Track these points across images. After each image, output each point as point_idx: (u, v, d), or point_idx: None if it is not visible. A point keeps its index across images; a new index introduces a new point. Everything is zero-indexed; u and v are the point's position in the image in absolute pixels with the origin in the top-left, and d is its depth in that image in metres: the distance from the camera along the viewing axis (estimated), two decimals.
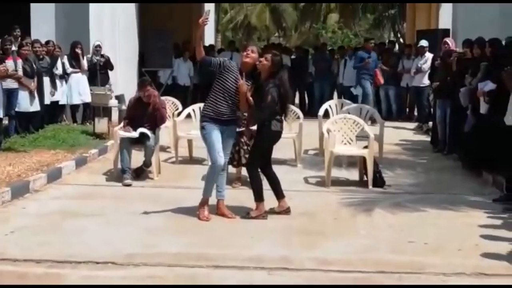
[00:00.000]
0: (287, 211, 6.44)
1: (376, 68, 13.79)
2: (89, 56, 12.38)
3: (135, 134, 8.02)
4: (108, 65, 12.53)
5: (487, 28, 10.35)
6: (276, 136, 6.32)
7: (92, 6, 12.64)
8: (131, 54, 14.48)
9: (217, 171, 6.25)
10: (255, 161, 6.38)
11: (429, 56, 12.25)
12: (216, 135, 6.17)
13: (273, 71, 6.16)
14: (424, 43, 12.78)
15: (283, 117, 6.35)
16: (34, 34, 12.16)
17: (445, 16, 16.47)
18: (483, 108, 7.77)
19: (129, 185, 7.72)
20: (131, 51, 14.49)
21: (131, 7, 14.42)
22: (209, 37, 23.86)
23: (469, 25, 11.58)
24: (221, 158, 6.19)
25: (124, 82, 13.41)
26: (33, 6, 12.53)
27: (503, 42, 8.47)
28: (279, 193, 6.44)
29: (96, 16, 12.77)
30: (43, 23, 12.35)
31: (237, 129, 6.70)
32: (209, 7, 24.80)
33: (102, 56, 12.39)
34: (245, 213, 6.32)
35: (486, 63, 8.25)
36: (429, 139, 11.32)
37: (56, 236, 5.65)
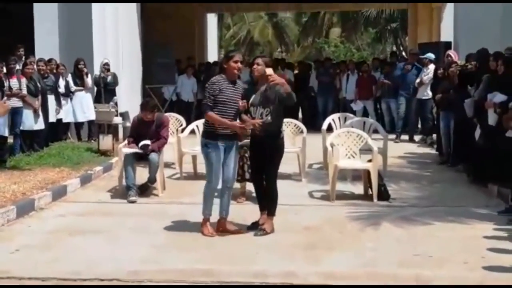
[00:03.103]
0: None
1: (414, 81, 13.08)
2: (97, 73, 12.45)
3: (138, 149, 8.05)
4: (116, 82, 12.61)
5: (488, 40, 10.36)
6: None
7: (96, 23, 12.71)
8: (135, 71, 14.56)
9: (213, 191, 6.30)
10: (276, 174, 6.39)
11: (431, 68, 12.26)
12: (218, 156, 6.15)
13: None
14: (428, 55, 12.77)
15: None
16: (38, 52, 12.24)
17: (447, 29, 16.55)
18: (492, 119, 7.74)
19: (134, 201, 7.73)
20: (135, 68, 14.57)
21: (134, 24, 14.51)
22: (212, 53, 24.02)
23: (470, 37, 11.61)
24: (218, 180, 6.24)
25: (128, 99, 13.47)
26: (37, 24, 12.61)
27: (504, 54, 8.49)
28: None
29: (99, 33, 12.85)
30: (47, 42, 12.42)
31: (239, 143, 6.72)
32: (212, 21, 25.11)
33: (108, 70, 12.46)
34: (257, 231, 6.26)
35: (488, 75, 8.26)
36: (433, 151, 11.31)
37: (61, 254, 5.66)
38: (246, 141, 7.22)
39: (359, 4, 23.96)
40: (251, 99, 6.24)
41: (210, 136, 6.17)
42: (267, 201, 6.38)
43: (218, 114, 6.08)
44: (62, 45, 12.57)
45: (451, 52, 10.95)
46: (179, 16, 19.85)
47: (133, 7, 14.41)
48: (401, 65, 14.08)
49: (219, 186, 6.33)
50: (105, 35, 13.11)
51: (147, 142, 8.11)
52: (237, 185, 7.80)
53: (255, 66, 6.26)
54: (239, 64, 6.18)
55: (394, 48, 33.72)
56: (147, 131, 8.22)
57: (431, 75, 12.00)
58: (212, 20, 25.30)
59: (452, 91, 9.66)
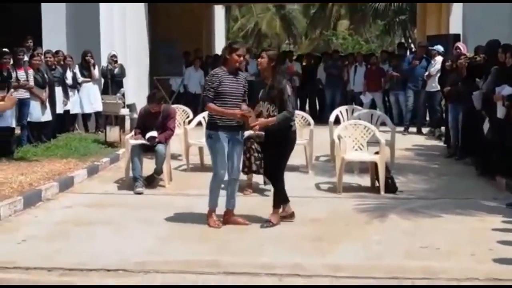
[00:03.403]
0: (291, 215, 6.39)
1: (423, 74, 12.98)
2: (104, 65, 12.44)
3: (145, 141, 8.05)
4: (123, 73, 12.60)
5: (497, 33, 10.28)
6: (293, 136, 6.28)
7: (103, 15, 12.71)
8: (142, 63, 14.55)
9: (219, 182, 6.27)
10: (283, 166, 6.33)
11: (438, 60, 12.20)
12: (222, 146, 6.11)
13: (274, 65, 6.16)
14: (437, 47, 12.72)
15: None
16: (45, 44, 12.25)
17: (456, 22, 16.42)
18: (501, 112, 7.69)
19: (140, 193, 7.73)
20: (142, 60, 14.56)
21: (142, 16, 14.50)
22: (220, 45, 23.97)
23: (479, 30, 11.53)
24: (224, 171, 6.20)
25: (135, 90, 13.47)
26: (44, 16, 12.63)
27: None
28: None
29: (106, 25, 12.85)
30: (55, 34, 12.44)
31: (246, 135, 6.69)
32: (220, 13, 25.07)
33: (116, 62, 12.45)
34: (264, 223, 6.25)
35: (497, 67, 8.20)
36: (441, 144, 11.26)
37: (67, 244, 5.67)
38: (253, 132, 7.23)
39: None
40: (260, 94, 6.22)
41: (213, 127, 6.15)
42: (274, 193, 6.35)
43: (219, 105, 6.07)
44: (69, 38, 12.58)
45: (460, 45, 10.87)
46: (186, 8, 19.81)
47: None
48: (409, 58, 14.00)
49: (226, 178, 6.31)
50: (112, 27, 13.10)
51: (154, 133, 8.10)
52: (243, 176, 7.81)
53: (259, 59, 6.24)
54: (241, 59, 6.17)
55: (403, 40, 33.55)
56: (153, 122, 8.21)
57: (437, 66, 11.95)
58: (219, 12, 25.24)
59: (460, 84, 9.60)
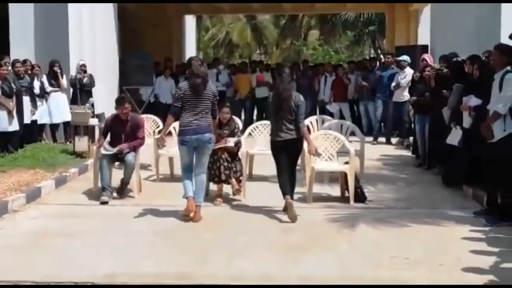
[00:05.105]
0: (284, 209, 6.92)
1: (389, 85, 13.04)
2: (73, 74, 12.29)
3: (114, 150, 7.96)
4: (92, 83, 12.47)
5: (464, 44, 10.46)
6: (273, 145, 7.15)
7: (72, 24, 12.56)
8: (112, 73, 14.42)
9: None
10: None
11: (408, 71, 12.35)
12: None
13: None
14: (405, 58, 12.89)
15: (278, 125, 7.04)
16: (13, 53, 12.08)
17: (424, 33, 16.66)
18: (467, 122, 7.80)
19: (105, 202, 7.63)
20: (112, 70, 14.43)
21: (111, 25, 14.39)
22: (191, 55, 23.94)
23: (447, 41, 11.70)
24: None
25: (105, 100, 13.33)
26: (12, 25, 12.45)
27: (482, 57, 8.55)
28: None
29: (76, 34, 12.70)
30: (22, 43, 12.26)
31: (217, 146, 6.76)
32: (190, 23, 25.05)
33: (85, 72, 12.32)
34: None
35: (458, 84, 8.32)
36: (410, 154, 11.37)
37: (34, 257, 5.57)
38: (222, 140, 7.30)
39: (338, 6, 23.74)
40: None
41: None
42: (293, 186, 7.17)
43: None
44: (37, 46, 12.39)
45: (426, 56, 11.03)
46: (156, 17, 19.75)
47: (110, 8, 14.28)
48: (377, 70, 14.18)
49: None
50: (81, 36, 12.95)
51: (125, 148, 8.01)
52: (213, 186, 7.80)
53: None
54: None
55: (372, 51, 33.92)
56: (121, 131, 8.12)
57: (408, 78, 12.09)
58: (190, 21, 25.22)
59: (427, 94, 9.71)
